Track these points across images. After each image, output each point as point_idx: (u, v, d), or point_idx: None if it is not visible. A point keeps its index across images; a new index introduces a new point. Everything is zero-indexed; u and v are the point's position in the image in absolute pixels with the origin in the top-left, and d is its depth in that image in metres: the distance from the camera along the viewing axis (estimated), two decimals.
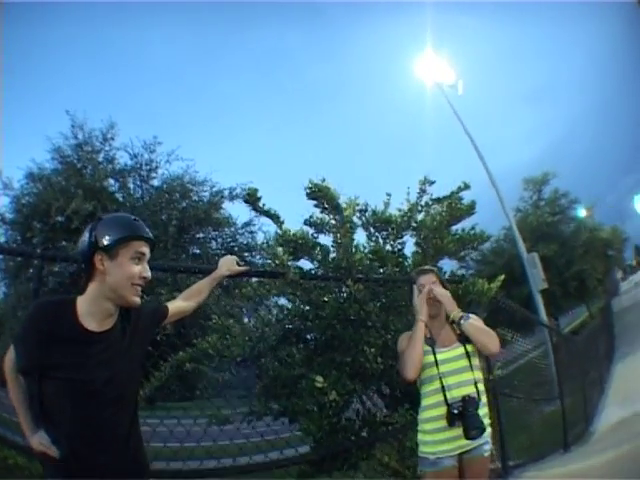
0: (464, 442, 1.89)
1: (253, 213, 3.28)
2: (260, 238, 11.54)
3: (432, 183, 3.34)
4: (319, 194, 2.96)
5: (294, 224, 3.05)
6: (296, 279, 2.64)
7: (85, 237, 1.32)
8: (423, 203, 3.33)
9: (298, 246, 2.84)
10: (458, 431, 1.88)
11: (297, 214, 3.14)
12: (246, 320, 3.25)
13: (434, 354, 1.99)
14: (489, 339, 1.98)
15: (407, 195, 3.29)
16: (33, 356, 1.23)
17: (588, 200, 17.57)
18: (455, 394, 1.92)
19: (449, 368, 1.97)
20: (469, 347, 2.00)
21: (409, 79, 14.26)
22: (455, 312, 2.03)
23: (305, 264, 3.00)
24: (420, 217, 3.29)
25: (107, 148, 12.09)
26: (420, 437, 2.02)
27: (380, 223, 3.13)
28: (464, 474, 1.95)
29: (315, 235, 3.02)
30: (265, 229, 10.66)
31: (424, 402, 2.01)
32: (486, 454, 1.96)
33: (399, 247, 3.20)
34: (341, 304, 2.81)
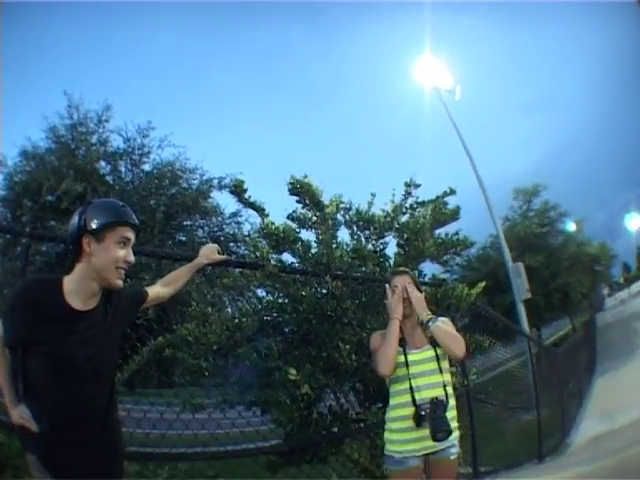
0: (430, 443, 1.89)
1: (241, 204, 3.29)
2: (247, 229, 11.41)
3: (418, 186, 3.37)
4: (301, 190, 2.99)
5: (283, 218, 3.09)
6: (275, 272, 2.65)
7: (75, 220, 1.38)
8: (408, 205, 3.35)
9: (280, 240, 2.86)
10: (425, 432, 1.88)
11: (286, 209, 3.17)
12: (226, 310, 3.26)
13: (405, 355, 2.01)
14: (455, 343, 1.98)
15: (392, 196, 3.32)
16: (21, 331, 1.28)
17: (578, 214, 17.65)
18: (424, 395, 1.93)
19: (419, 370, 1.99)
20: (439, 350, 2.01)
21: (407, 81, 14.30)
22: (424, 314, 2.04)
23: (288, 258, 3.03)
24: (404, 219, 3.31)
25: (101, 130, 11.90)
26: (387, 435, 2.04)
27: (363, 222, 3.16)
28: (430, 475, 1.97)
29: (297, 230, 3.03)
30: (252, 221, 10.59)
31: (392, 401, 2.04)
32: (452, 457, 1.97)
33: (381, 247, 3.23)
34: (319, 299, 2.83)
